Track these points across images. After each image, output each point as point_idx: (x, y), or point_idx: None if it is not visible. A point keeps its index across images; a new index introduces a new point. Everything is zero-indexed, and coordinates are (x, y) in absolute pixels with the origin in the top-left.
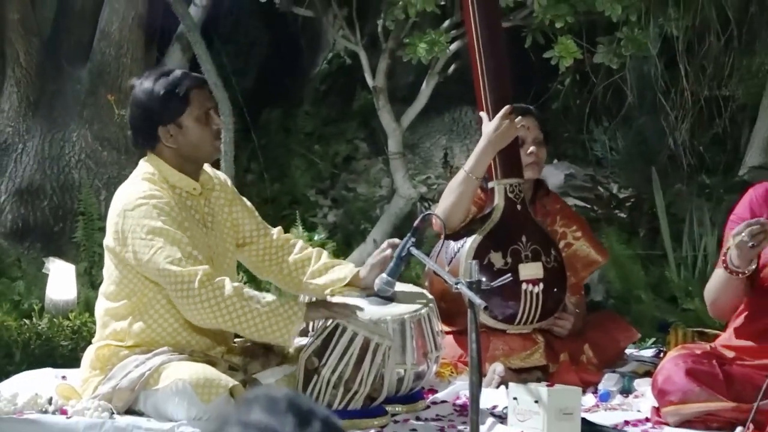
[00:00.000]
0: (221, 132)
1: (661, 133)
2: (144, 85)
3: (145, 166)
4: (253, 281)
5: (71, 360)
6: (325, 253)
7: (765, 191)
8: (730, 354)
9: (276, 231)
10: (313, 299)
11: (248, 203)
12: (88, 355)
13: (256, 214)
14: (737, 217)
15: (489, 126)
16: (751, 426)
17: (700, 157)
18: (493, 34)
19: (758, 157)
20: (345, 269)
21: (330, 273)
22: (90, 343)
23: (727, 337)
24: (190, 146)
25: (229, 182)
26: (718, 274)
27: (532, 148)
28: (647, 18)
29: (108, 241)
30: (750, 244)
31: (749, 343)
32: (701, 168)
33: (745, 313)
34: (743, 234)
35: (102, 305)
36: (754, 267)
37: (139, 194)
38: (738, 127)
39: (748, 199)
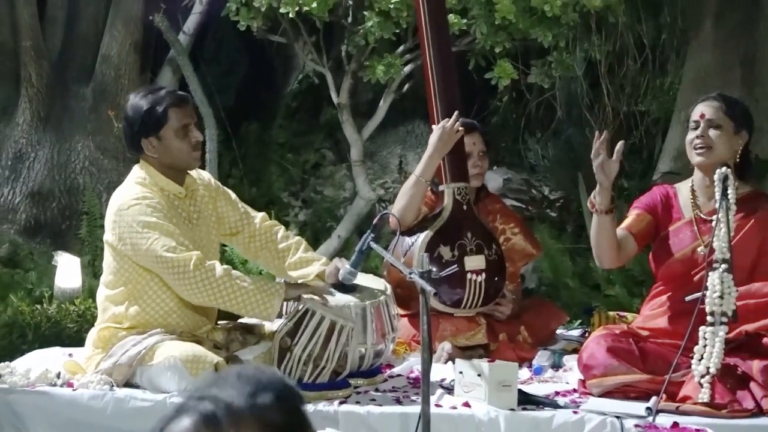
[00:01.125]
0: (200, 144)
1: (586, 143)
2: (133, 101)
3: (137, 171)
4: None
5: (77, 340)
6: (303, 245)
7: (667, 192)
8: (645, 333)
9: (259, 217)
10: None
11: (232, 196)
12: (91, 336)
13: (240, 205)
14: (639, 202)
15: (433, 135)
16: (664, 396)
17: (620, 164)
18: (444, 57)
19: (669, 164)
20: (316, 266)
21: (304, 268)
22: (93, 325)
23: (642, 320)
24: (170, 156)
25: (213, 180)
26: (593, 220)
27: (475, 160)
28: (574, 44)
29: (107, 236)
30: (594, 160)
31: (661, 325)
32: (621, 173)
33: (657, 299)
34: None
35: (102, 293)
36: (612, 207)
37: (132, 196)
38: (652, 138)
39: (652, 193)
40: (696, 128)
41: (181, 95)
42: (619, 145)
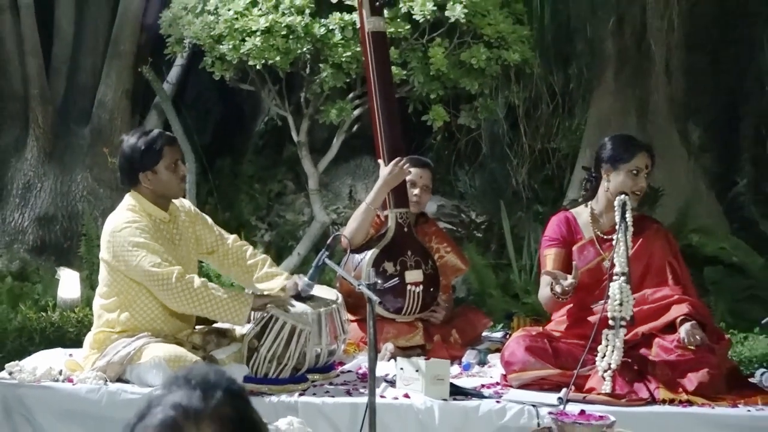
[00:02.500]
0: (186, 176)
1: (507, 175)
2: (129, 141)
3: (128, 199)
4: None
5: (76, 342)
6: (269, 262)
7: (564, 217)
8: (557, 334)
9: (231, 238)
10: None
11: (209, 220)
12: (88, 339)
13: (215, 228)
14: (548, 237)
15: (385, 170)
16: (573, 387)
17: (535, 192)
18: (388, 103)
19: (576, 192)
20: (278, 280)
21: (270, 281)
22: (90, 330)
23: (554, 323)
24: (163, 187)
25: (192, 207)
26: (549, 296)
27: (417, 192)
28: (496, 91)
29: (102, 254)
30: (559, 298)
31: (570, 328)
32: (536, 200)
33: (565, 307)
34: (556, 289)
35: (97, 302)
36: (571, 290)
37: (124, 219)
38: (562, 171)
39: (554, 224)
40: (635, 173)
41: (172, 136)
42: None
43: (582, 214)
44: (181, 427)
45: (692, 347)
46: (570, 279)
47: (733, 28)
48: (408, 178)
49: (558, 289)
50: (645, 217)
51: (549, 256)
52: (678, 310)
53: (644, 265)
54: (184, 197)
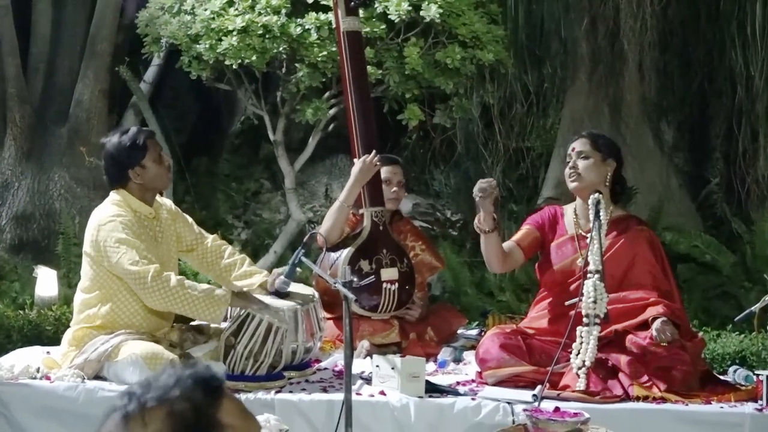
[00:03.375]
0: (171, 166)
1: (481, 174)
2: (112, 140)
3: (114, 195)
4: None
5: (54, 340)
6: (247, 261)
7: (555, 212)
8: (531, 332)
9: (211, 238)
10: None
11: (189, 219)
12: (66, 336)
13: (195, 227)
14: (530, 218)
15: (355, 167)
16: (548, 384)
17: (510, 191)
18: (364, 102)
19: (551, 191)
20: (257, 278)
21: (248, 279)
22: (67, 327)
23: (528, 320)
24: (151, 180)
25: (173, 206)
26: (482, 239)
27: (395, 189)
28: (471, 91)
29: (86, 247)
30: (478, 196)
31: (544, 325)
32: (511, 198)
33: (541, 303)
34: (475, 190)
35: (79, 297)
36: (495, 226)
37: (109, 214)
38: (536, 169)
39: (542, 210)
40: (569, 161)
41: (150, 130)
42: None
43: (568, 211)
44: (130, 416)
45: (664, 344)
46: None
47: (705, 29)
48: (383, 176)
49: (481, 219)
50: (630, 217)
51: (520, 231)
52: (653, 311)
53: (625, 266)
54: (160, 195)
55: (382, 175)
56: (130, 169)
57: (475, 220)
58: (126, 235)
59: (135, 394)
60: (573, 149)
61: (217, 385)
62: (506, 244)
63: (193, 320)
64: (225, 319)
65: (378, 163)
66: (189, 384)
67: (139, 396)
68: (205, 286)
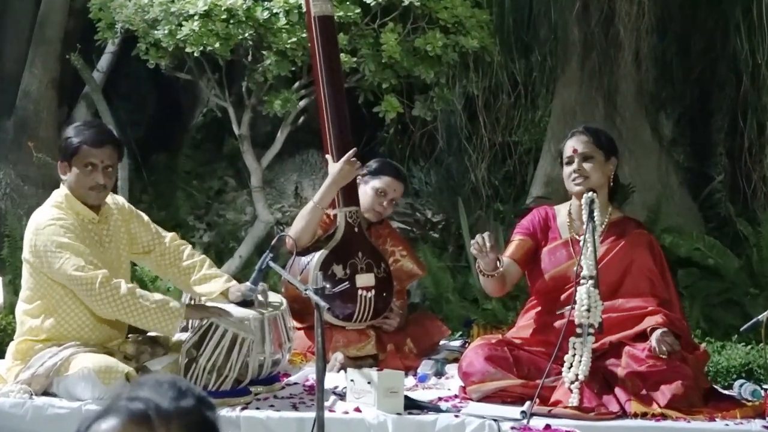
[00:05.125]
0: (100, 186)
1: (465, 171)
2: (70, 126)
3: (56, 195)
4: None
5: None
6: (207, 262)
7: (544, 212)
8: (519, 342)
9: (169, 237)
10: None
11: (145, 218)
12: (10, 349)
13: (152, 226)
14: (520, 225)
15: (334, 168)
16: (537, 400)
17: (496, 190)
18: (336, 93)
19: (540, 189)
20: (218, 283)
21: (208, 285)
22: (13, 339)
23: (515, 330)
24: (72, 185)
25: (127, 204)
26: (481, 277)
27: (385, 204)
28: (453, 80)
29: (25, 254)
30: (486, 275)
31: (533, 335)
32: (496, 197)
33: (531, 312)
34: (472, 249)
35: (20, 308)
36: (501, 270)
37: (48, 217)
38: (525, 166)
39: (532, 215)
40: (571, 162)
41: (102, 139)
42: (490, 236)
43: (561, 212)
44: (151, 420)
45: (664, 356)
46: (491, 251)
47: (706, 13)
48: (378, 185)
49: (481, 264)
50: (629, 220)
51: (512, 243)
52: (651, 321)
53: (622, 272)
54: (115, 193)
55: (379, 185)
56: (60, 161)
57: (476, 264)
58: (68, 239)
59: (148, 399)
60: (574, 150)
61: (211, 400)
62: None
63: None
64: (186, 330)
65: (358, 164)
66: (196, 396)
67: (154, 402)
68: (158, 296)
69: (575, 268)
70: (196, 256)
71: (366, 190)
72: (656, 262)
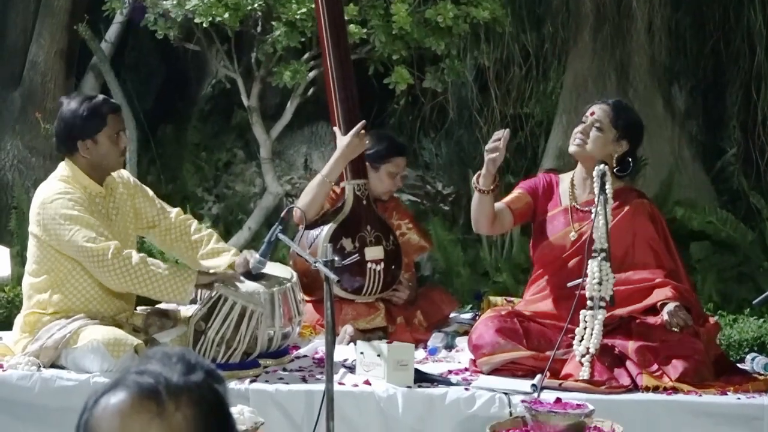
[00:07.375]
0: (126, 149)
1: (476, 143)
2: (71, 105)
3: (62, 169)
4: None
5: (6, 325)
6: (215, 237)
7: (551, 180)
8: (529, 313)
9: (174, 212)
10: None
11: (150, 193)
12: (18, 321)
13: (157, 201)
14: (524, 183)
15: (343, 141)
16: (548, 373)
17: (507, 162)
18: (344, 65)
19: (552, 162)
20: (226, 257)
21: (215, 259)
22: (20, 310)
23: (524, 303)
24: (101, 158)
25: (132, 179)
26: (475, 197)
27: (399, 182)
28: (464, 52)
29: (32, 227)
30: (488, 154)
31: (543, 308)
32: (507, 170)
33: (537, 283)
34: (487, 146)
35: (27, 281)
36: (493, 187)
37: (56, 190)
38: (536, 138)
39: (538, 178)
40: (583, 122)
41: (117, 104)
42: (507, 132)
43: (564, 180)
44: (160, 394)
45: (676, 329)
46: (503, 146)
47: None
48: (392, 169)
49: (481, 180)
50: (630, 189)
51: (512, 194)
52: (660, 294)
53: (626, 244)
54: (123, 168)
55: (393, 169)
56: (81, 140)
57: (474, 177)
58: (77, 212)
59: (157, 373)
60: (592, 113)
61: (220, 374)
62: (496, 205)
63: (158, 303)
64: (194, 302)
65: (367, 137)
66: (206, 370)
67: (164, 376)
68: (170, 264)
69: (572, 236)
70: (203, 231)
71: (381, 177)
72: (658, 231)
